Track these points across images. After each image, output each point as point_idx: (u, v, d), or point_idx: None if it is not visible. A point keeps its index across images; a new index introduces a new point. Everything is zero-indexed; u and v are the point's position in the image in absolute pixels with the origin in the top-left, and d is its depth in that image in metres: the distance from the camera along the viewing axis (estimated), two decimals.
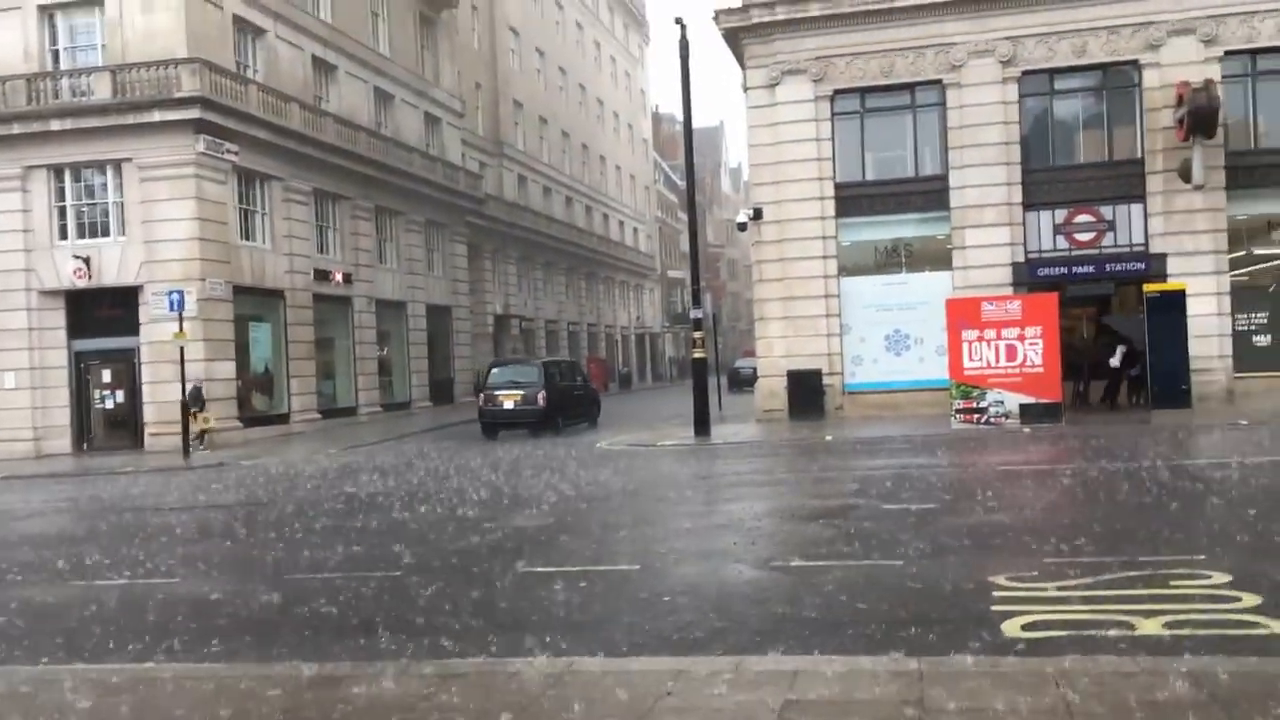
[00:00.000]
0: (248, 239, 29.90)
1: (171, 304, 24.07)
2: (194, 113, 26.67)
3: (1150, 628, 6.36)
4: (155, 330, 26.29)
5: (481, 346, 46.78)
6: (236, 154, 28.20)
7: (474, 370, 45.24)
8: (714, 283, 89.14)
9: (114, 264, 27.30)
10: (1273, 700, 4.71)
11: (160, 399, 26.65)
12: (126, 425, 27.93)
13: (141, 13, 27.79)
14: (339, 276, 33.75)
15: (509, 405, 26.49)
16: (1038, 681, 5.11)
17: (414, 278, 39.16)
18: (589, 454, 20.91)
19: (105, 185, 27.81)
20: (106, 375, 28.06)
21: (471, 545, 10.67)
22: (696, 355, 24.30)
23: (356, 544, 11.08)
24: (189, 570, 10.21)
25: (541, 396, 26.40)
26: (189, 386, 24.88)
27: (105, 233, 27.70)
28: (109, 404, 28.17)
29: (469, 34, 48.92)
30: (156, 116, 26.67)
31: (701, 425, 22.96)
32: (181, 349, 24.40)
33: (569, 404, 28.13)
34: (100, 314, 27.84)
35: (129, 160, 27.16)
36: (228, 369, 27.81)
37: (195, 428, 25.14)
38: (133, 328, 27.23)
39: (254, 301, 29.91)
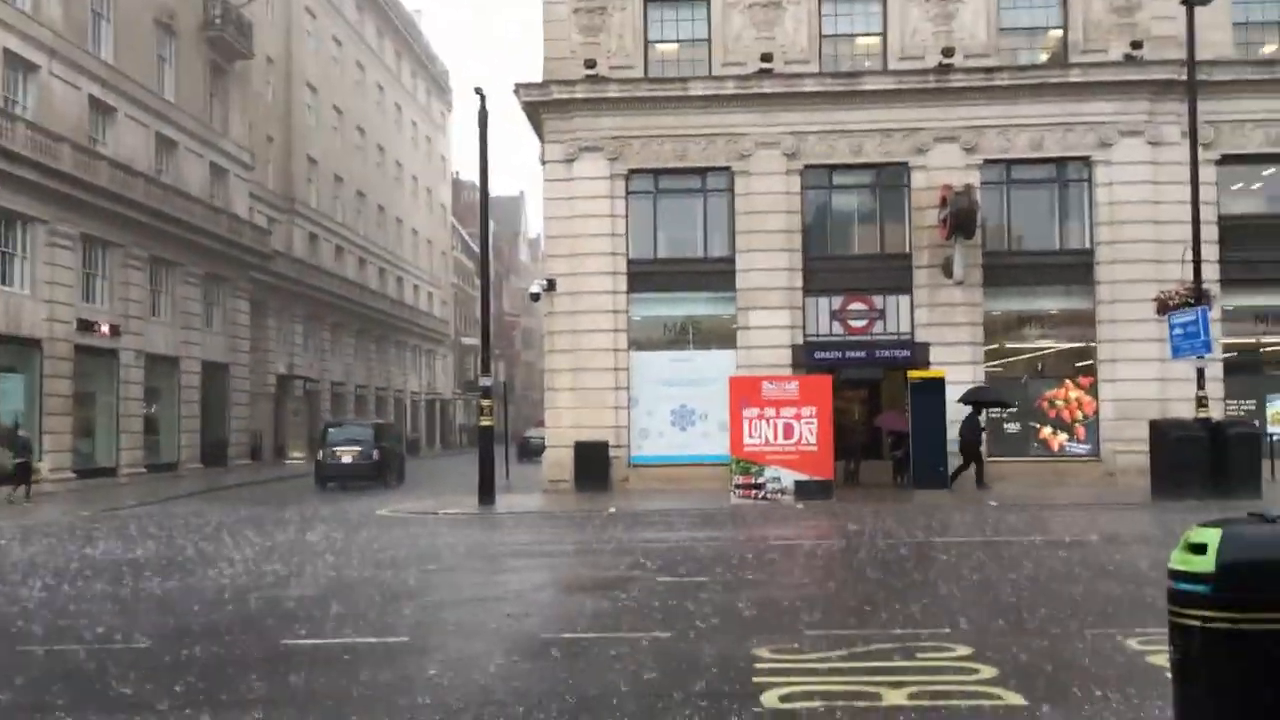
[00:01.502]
0: (3, 283, 27.80)
1: None
2: None
3: (896, 698, 6.66)
4: None
5: (261, 407, 44.92)
6: None
7: (250, 431, 43.33)
8: (508, 351, 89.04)
9: None
10: None
11: None
12: None
13: None
14: (105, 328, 31.81)
15: (347, 460, 30.17)
16: None
17: (190, 332, 37.34)
18: (369, 520, 20.29)
19: None
20: None
21: (236, 614, 10.12)
22: (484, 423, 24.08)
23: (104, 612, 10.31)
24: None
25: (376, 452, 30.45)
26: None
27: None
28: None
29: (263, 86, 47.69)
30: None
31: (486, 494, 22.71)
32: None
33: (392, 461, 32.13)
34: None
35: None
36: None
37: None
38: None
39: (6, 351, 27.79)
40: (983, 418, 24.49)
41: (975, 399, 24.17)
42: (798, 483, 21.76)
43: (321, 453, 30.67)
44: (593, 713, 6.48)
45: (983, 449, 24.07)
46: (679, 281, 26.70)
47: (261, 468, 41.53)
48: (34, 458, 25.27)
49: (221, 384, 40.47)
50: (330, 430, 31.89)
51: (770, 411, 21.97)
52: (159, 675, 7.74)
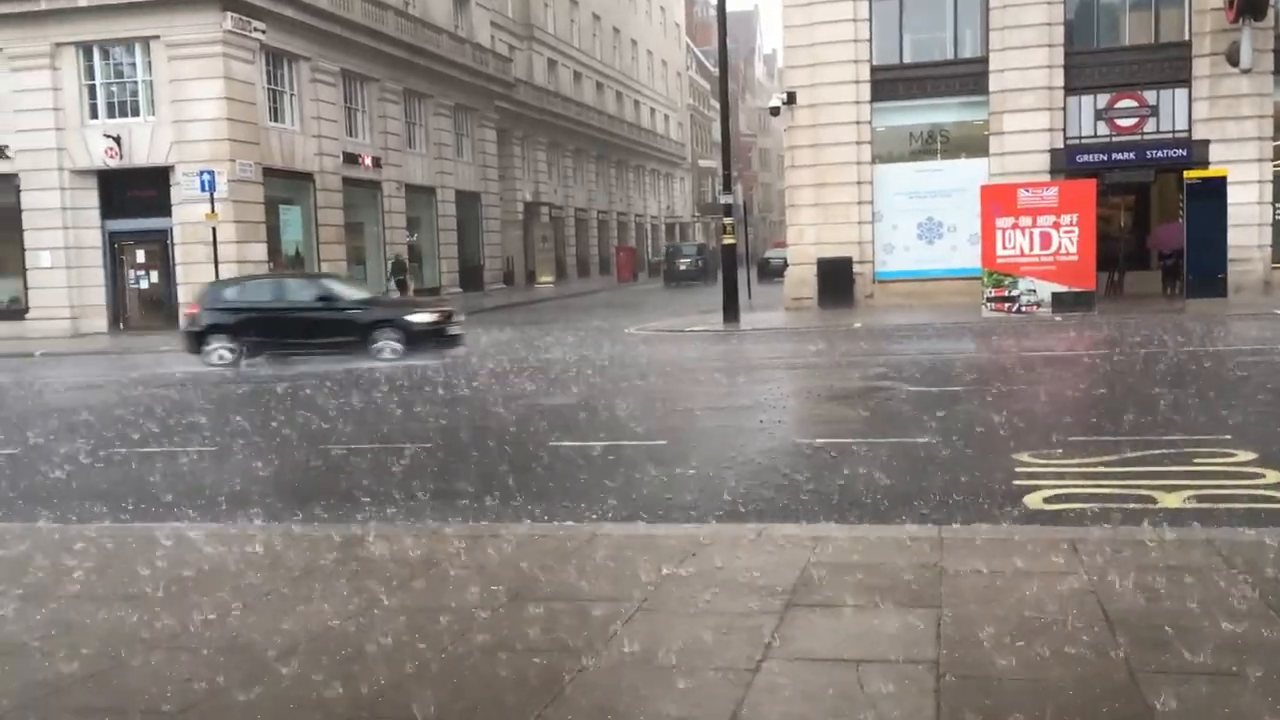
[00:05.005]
0: (276, 121, 29.70)
1: (203, 185, 24.08)
2: None
3: (1172, 501, 6.42)
4: (187, 211, 26.37)
5: (510, 233, 46.67)
6: (264, 32, 27.84)
7: (503, 257, 45.29)
8: (745, 172, 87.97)
9: (144, 144, 27.26)
10: None
11: (194, 280, 26.79)
12: (161, 306, 28.22)
13: None
14: (368, 160, 33.58)
15: (684, 268, 46.42)
16: (1057, 548, 5.20)
17: (443, 163, 38.90)
18: (619, 337, 21.03)
19: (134, 64, 27.58)
20: (140, 256, 28.26)
21: (503, 420, 10.83)
22: (727, 241, 24.13)
23: (392, 419, 11.30)
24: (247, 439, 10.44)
25: (700, 262, 46.73)
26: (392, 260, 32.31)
27: (135, 112, 27.58)
28: (143, 284, 28.42)
29: None
30: None
31: (731, 312, 22.93)
32: (214, 230, 24.50)
33: (710, 268, 43.90)
34: (132, 194, 27.89)
35: (157, 38, 26.87)
36: (259, 251, 27.91)
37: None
38: (165, 209, 27.32)
39: (283, 184, 29.85)
40: None
41: None
42: (1055, 294, 20.77)
43: (667, 265, 47.91)
44: (850, 507, 6.60)
45: None
46: (926, 87, 25.35)
47: (514, 292, 43.48)
48: (410, 278, 31.70)
49: (474, 212, 42.21)
50: (673, 250, 50.46)
51: (1026, 220, 20.88)
52: (443, 471, 8.44)
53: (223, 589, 5.10)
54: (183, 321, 20.23)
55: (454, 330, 18.14)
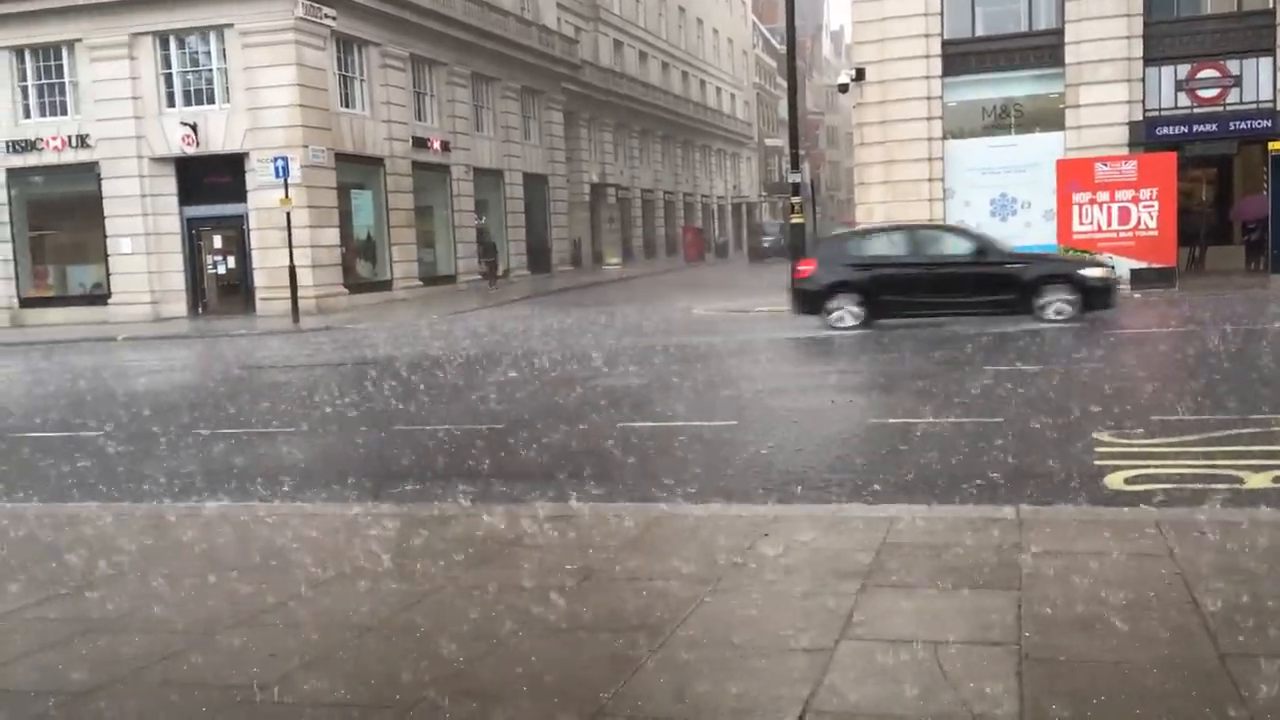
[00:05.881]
0: (347, 106, 30.09)
1: (277, 171, 24.50)
2: None
3: (1259, 482, 6.25)
4: (262, 197, 26.87)
5: (577, 215, 46.78)
6: (334, 19, 28.20)
7: (570, 239, 45.45)
8: (812, 151, 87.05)
9: (220, 131, 27.80)
10: None
11: (269, 264, 27.33)
12: (238, 290, 28.81)
13: None
14: (437, 144, 33.88)
15: (766, 245, 48.64)
16: (1140, 529, 5.10)
17: (510, 145, 39.10)
18: (685, 319, 21.00)
19: (209, 52, 28.13)
20: (218, 241, 28.88)
21: (573, 401, 10.90)
22: (795, 220, 23.92)
23: (468, 399, 11.42)
24: (328, 420, 10.65)
25: (782, 239, 42.21)
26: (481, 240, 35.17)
27: (210, 100, 28.14)
28: (220, 269, 29.04)
29: None
30: None
31: None
32: (288, 215, 24.93)
33: (800, 243, 45.88)
34: (209, 181, 28.49)
35: (231, 26, 27.36)
36: (332, 236, 28.37)
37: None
38: (240, 195, 27.87)
39: (354, 169, 30.26)
40: None
41: None
42: (1134, 271, 20.30)
43: (751, 242, 53.10)
44: (925, 487, 6.52)
45: None
46: (998, 60, 24.85)
47: (581, 273, 43.63)
48: (499, 259, 35.19)
49: (541, 194, 42.39)
50: (757, 228, 56.10)
51: (1104, 195, 20.42)
52: (539, 452, 8.52)
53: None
54: (797, 281, 17.68)
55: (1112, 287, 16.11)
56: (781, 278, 22.07)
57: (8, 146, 28.89)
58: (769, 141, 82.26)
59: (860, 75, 25.23)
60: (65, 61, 28.73)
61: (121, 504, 7.05)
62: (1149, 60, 23.76)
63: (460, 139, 35.35)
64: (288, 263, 24.90)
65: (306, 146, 27.05)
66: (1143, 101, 23.83)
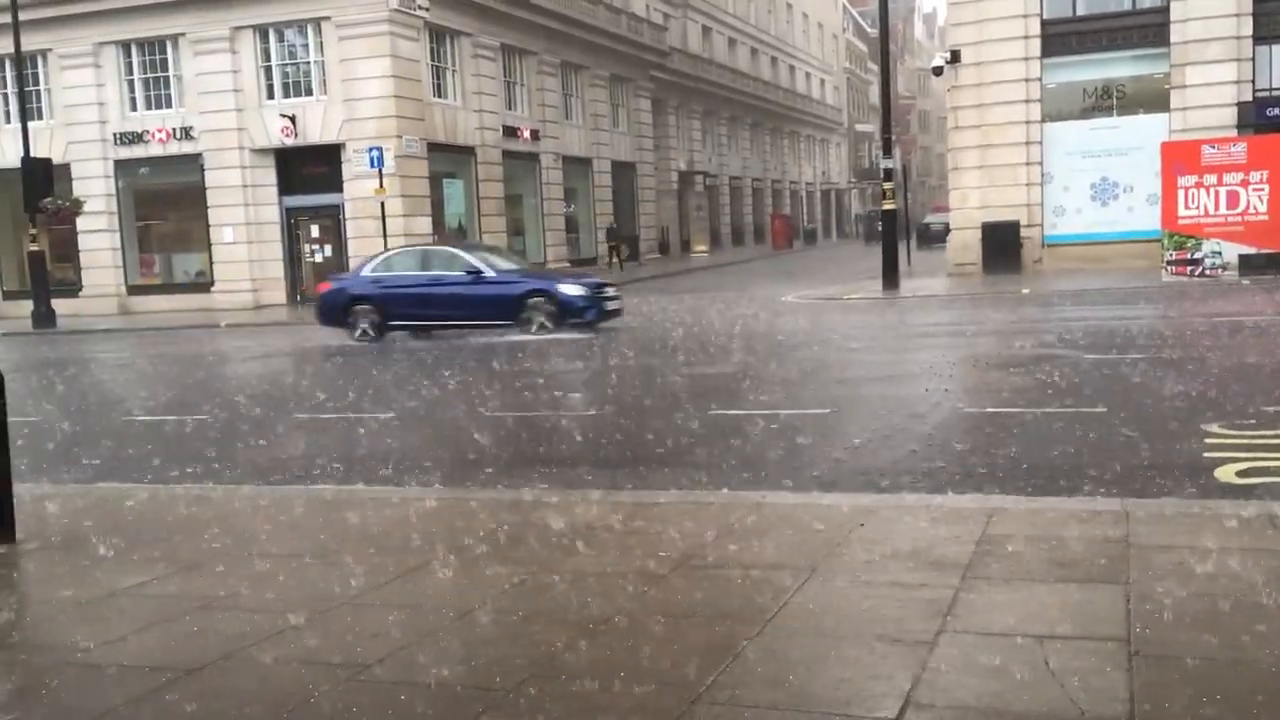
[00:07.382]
0: (439, 96, 30.50)
1: (372, 161, 24.95)
2: None
3: None
4: (357, 187, 27.40)
5: (665, 203, 46.74)
6: (427, 10, 28.58)
7: (658, 227, 45.45)
8: (904, 136, 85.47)
9: (317, 123, 28.40)
10: None
11: (365, 253, 27.85)
12: None
13: None
14: (526, 133, 34.15)
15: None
16: (1253, 524, 4.92)
17: (599, 134, 39.23)
18: (778, 306, 20.87)
19: (306, 45, 28.75)
20: (315, 230, 29.52)
21: (665, 389, 10.90)
22: (887, 206, 23.61)
23: (558, 389, 11.52)
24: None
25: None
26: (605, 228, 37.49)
27: (308, 92, 28.76)
28: (318, 258, 29.67)
29: None
30: None
31: (890, 278, 22.46)
32: (382, 204, 25.38)
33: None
34: (306, 171, 29.14)
35: (327, 19, 27.92)
36: (424, 225, 28.80)
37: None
38: (336, 184, 28.45)
39: (446, 158, 30.67)
40: None
41: None
42: (1242, 256, 19.58)
43: (866, 226, 56.01)
44: (1026, 479, 6.38)
45: None
46: (1100, 40, 24.15)
47: (669, 261, 43.63)
48: (622, 243, 37.77)
49: (629, 182, 42.47)
50: (872, 214, 54.90)
51: (1211, 179, 19.71)
52: (632, 439, 8.56)
53: None
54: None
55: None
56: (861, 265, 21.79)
57: (116, 138, 29.94)
58: (859, 127, 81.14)
59: (955, 57, 24.72)
60: (169, 55, 29.64)
61: (252, 486, 7.25)
62: (1259, 39, 22.87)
63: (549, 128, 35.57)
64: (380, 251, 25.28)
65: (400, 137, 27.50)
66: (1252, 81, 22.95)
